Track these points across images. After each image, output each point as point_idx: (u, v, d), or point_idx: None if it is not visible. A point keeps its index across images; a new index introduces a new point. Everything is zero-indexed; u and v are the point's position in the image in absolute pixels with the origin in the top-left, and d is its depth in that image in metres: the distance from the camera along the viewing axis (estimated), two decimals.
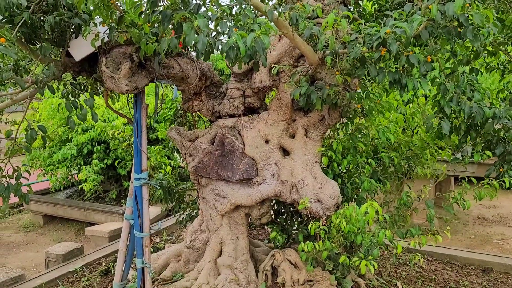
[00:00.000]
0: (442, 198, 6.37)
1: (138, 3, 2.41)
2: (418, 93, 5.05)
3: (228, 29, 2.32)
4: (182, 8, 2.24)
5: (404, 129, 4.11)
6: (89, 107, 3.00)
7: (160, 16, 2.22)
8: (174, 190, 4.62)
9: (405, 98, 4.67)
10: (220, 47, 2.27)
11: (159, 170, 4.70)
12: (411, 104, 4.72)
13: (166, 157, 5.10)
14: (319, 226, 3.27)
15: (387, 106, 3.34)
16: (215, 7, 2.46)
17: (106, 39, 2.89)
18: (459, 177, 6.86)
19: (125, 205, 5.54)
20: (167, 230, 5.58)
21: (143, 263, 3.45)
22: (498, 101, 3.90)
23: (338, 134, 3.92)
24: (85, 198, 7.52)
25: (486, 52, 3.82)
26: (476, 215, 7.66)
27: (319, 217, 3.45)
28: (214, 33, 2.37)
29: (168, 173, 4.61)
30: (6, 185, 2.98)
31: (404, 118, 4.01)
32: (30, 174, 3.16)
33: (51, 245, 6.45)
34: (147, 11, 2.35)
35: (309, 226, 3.25)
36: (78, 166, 7.26)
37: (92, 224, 6.91)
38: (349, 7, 3.46)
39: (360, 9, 3.97)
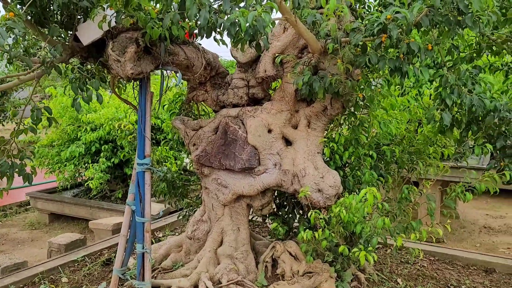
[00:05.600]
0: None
1: None
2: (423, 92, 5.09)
3: (230, 8, 2.38)
4: None
5: (407, 127, 4.13)
6: (94, 89, 3.07)
7: None
8: (178, 184, 4.65)
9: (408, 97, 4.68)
10: (222, 25, 2.32)
11: (164, 164, 4.74)
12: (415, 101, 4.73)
13: (171, 151, 5.14)
14: (319, 215, 3.28)
15: (388, 95, 3.36)
16: None
17: (113, 23, 2.97)
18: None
19: None
20: (170, 226, 5.60)
21: (143, 249, 3.48)
22: (501, 96, 3.91)
23: (341, 127, 3.95)
24: (91, 196, 7.58)
25: (489, 51, 3.84)
26: (482, 224, 7.59)
27: (319, 207, 3.47)
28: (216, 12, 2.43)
29: (172, 166, 4.64)
30: (10, 164, 3.05)
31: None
32: (34, 158, 3.20)
33: None
34: None
35: (309, 214, 3.27)
36: (86, 164, 7.33)
37: None
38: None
39: (366, 7, 4.02)
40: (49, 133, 7.73)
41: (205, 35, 2.40)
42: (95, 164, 7.06)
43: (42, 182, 8.75)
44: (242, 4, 2.45)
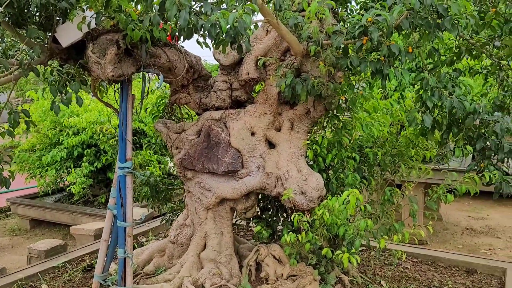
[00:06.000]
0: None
1: None
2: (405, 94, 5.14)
3: (211, 9, 2.37)
4: None
5: (390, 130, 4.15)
6: (74, 92, 3.03)
7: None
8: (161, 188, 4.61)
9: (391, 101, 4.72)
10: (202, 26, 2.31)
11: (147, 168, 4.70)
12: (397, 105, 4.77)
13: (154, 155, 5.10)
14: (303, 218, 3.27)
15: (370, 97, 3.38)
16: None
17: (93, 24, 2.93)
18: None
19: None
20: (153, 231, 5.55)
21: (125, 253, 3.43)
22: (480, 99, 3.96)
23: (324, 130, 3.96)
24: (73, 202, 7.46)
25: (469, 54, 3.89)
26: (465, 226, 7.68)
27: (303, 210, 3.46)
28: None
29: (155, 170, 4.60)
30: None
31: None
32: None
33: None
34: None
35: (293, 216, 3.26)
36: (68, 169, 7.22)
37: None
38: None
39: (347, 10, 4.05)
40: (30, 138, 7.61)
41: (186, 36, 2.38)
42: (78, 168, 6.95)
43: (23, 187, 8.61)
44: (223, 6, 2.44)
